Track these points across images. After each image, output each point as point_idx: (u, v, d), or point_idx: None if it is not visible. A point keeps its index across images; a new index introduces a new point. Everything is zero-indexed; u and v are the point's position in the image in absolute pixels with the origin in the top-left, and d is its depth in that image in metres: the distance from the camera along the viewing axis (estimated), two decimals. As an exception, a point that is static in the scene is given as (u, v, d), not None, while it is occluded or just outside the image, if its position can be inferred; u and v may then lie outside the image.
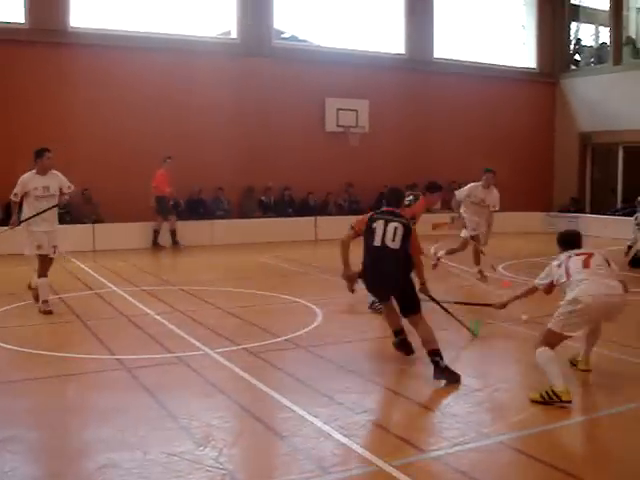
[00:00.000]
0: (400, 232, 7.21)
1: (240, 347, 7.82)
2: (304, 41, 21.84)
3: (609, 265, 6.56)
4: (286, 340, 8.17)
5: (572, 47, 25.64)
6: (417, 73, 22.02)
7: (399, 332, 7.54)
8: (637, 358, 7.53)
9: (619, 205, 22.78)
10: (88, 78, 17.52)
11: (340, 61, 20.68)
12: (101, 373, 7.02)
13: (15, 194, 9.55)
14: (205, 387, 6.51)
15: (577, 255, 6.62)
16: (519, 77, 24.33)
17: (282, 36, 21.35)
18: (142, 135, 18.03)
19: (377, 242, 7.23)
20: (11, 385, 6.67)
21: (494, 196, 13.55)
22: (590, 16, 25.83)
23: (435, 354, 6.80)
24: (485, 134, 22.98)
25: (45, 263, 9.72)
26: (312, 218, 19.80)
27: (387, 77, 21.44)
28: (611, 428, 5.77)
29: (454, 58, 23.02)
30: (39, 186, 9.54)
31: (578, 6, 25.60)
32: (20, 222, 9.59)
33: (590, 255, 6.60)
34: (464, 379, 6.65)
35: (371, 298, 9.20)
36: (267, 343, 8.02)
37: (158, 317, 9.36)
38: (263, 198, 19.68)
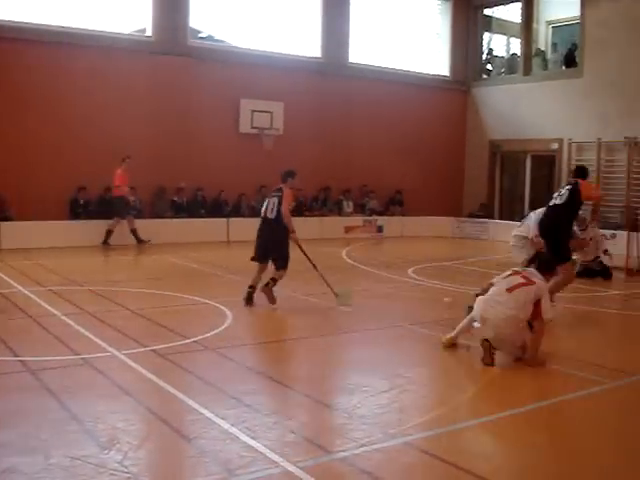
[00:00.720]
0: (276, 204, 10.06)
1: (148, 349, 7.73)
2: (221, 41, 21.72)
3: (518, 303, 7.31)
4: (195, 342, 8.11)
5: (484, 57, 26.26)
6: (332, 77, 22.18)
7: (252, 287, 10.17)
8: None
9: (526, 212, 23.38)
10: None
11: (256, 62, 20.66)
12: (3, 375, 6.81)
13: None
14: (111, 389, 6.40)
15: (512, 275, 7.58)
16: (433, 84, 24.79)
17: (199, 35, 21.20)
18: (52, 132, 17.68)
19: (262, 214, 10.31)
20: None
21: None
22: (502, 27, 26.54)
23: (273, 280, 10.08)
24: (399, 139, 23.34)
25: None
26: (224, 219, 19.70)
27: (302, 80, 21.52)
28: (515, 428, 5.92)
29: (369, 63, 23.29)
30: None
31: (491, 17, 26.29)
32: None
33: (515, 286, 7.39)
34: (373, 381, 6.75)
35: None
36: (175, 345, 7.94)
37: (64, 318, 9.16)
38: (175, 198, 19.48)
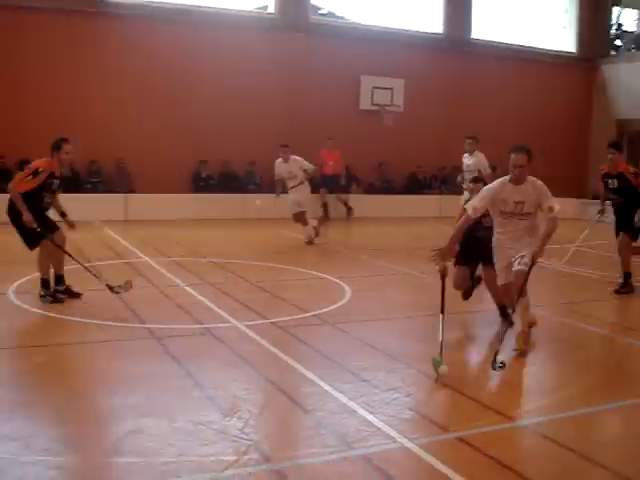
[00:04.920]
0: None
1: (268, 321, 7.87)
2: (341, 18, 21.72)
3: None
4: (314, 316, 8.21)
5: (613, 32, 25.28)
6: (454, 53, 21.85)
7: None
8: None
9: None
10: (119, 46, 17.68)
11: (377, 39, 20.56)
12: (132, 341, 7.11)
13: None
14: (232, 358, 6.56)
15: None
16: (557, 61, 24.08)
17: (319, 12, 21.26)
18: (176, 109, 18.20)
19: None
20: (45, 349, 6.78)
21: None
22: (632, 1, 25.46)
23: None
24: (520, 117, 22.79)
25: None
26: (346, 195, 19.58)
27: (423, 56, 21.30)
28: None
29: (492, 39, 22.80)
30: None
31: (621, -10, 25.29)
32: None
33: None
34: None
35: None
36: (295, 318, 8.08)
37: (188, 288, 9.44)
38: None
